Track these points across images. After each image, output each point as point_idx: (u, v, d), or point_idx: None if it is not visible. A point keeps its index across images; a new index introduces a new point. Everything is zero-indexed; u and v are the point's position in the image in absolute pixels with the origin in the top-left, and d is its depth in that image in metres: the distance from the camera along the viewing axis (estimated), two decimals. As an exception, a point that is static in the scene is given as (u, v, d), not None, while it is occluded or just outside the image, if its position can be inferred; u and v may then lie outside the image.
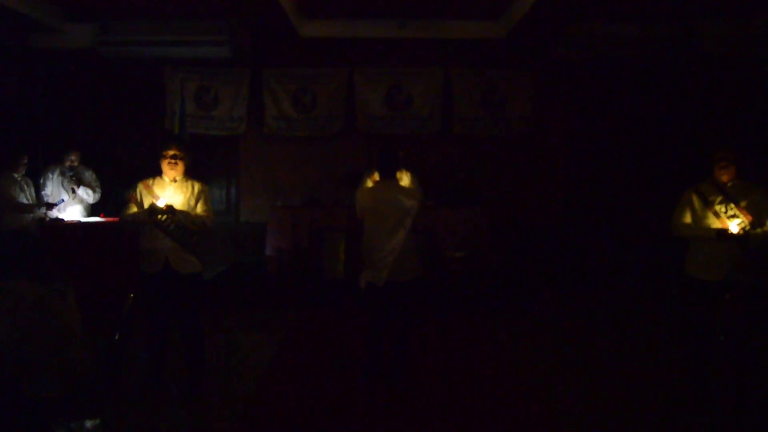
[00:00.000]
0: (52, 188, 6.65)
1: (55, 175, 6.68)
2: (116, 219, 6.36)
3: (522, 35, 7.92)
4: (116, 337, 2.91)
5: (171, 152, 4.25)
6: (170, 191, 4.26)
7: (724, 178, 4.13)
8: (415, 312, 4.81)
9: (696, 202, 4.22)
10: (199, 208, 4.31)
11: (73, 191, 6.67)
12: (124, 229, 5.37)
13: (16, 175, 6.27)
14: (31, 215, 6.31)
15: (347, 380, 4.53)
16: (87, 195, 6.76)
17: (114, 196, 6.65)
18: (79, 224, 6.50)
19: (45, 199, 6.57)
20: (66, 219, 6.55)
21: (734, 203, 4.05)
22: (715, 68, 8.14)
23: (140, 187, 4.26)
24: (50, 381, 2.58)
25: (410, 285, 4.44)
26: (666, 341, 5.55)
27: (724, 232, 4.00)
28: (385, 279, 4.33)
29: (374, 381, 4.46)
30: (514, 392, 4.37)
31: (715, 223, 4.09)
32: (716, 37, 7.67)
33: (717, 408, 4.05)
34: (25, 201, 6.29)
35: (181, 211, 4.18)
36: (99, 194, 6.88)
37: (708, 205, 4.15)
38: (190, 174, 4.40)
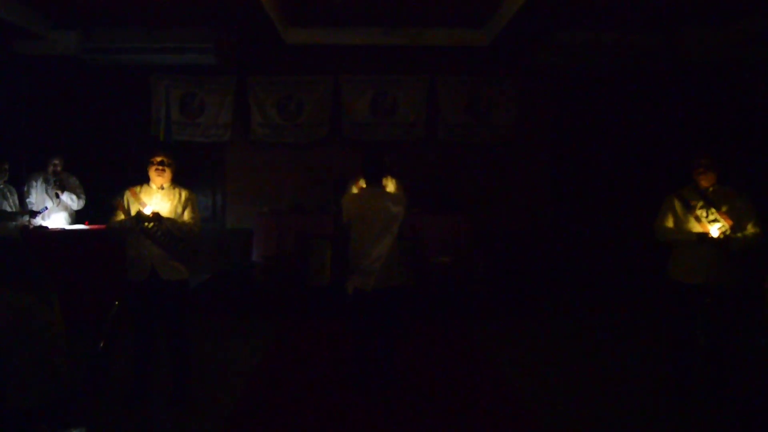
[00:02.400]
0: (36, 196, 6.61)
1: (39, 183, 6.64)
2: (101, 226, 6.34)
3: (506, 43, 8.00)
4: (101, 346, 2.90)
5: (158, 159, 4.25)
6: (157, 198, 4.25)
7: (704, 183, 4.21)
8: (401, 318, 4.82)
9: (678, 206, 4.29)
10: (186, 216, 4.30)
11: (57, 196, 6.62)
12: (109, 236, 5.34)
13: (-1, 183, 6.23)
14: (14, 223, 6.25)
15: (334, 387, 4.53)
16: (71, 201, 6.72)
17: (99, 203, 6.61)
18: (63, 232, 6.46)
19: (29, 206, 6.53)
20: (50, 226, 6.50)
21: (715, 208, 4.13)
22: (697, 74, 8.26)
23: (127, 194, 4.25)
24: (34, 390, 2.57)
25: (397, 291, 4.46)
26: (649, 344, 5.60)
27: (704, 236, 4.07)
28: (373, 285, 4.35)
29: (361, 387, 4.47)
30: (499, 396, 4.40)
31: (697, 228, 4.16)
32: (698, 43, 7.79)
33: (698, 409, 4.10)
34: (8, 209, 6.23)
35: (168, 219, 4.17)
36: (83, 201, 6.84)
37: (689, 209, 4.22)
38: (176, 181, 4.40)
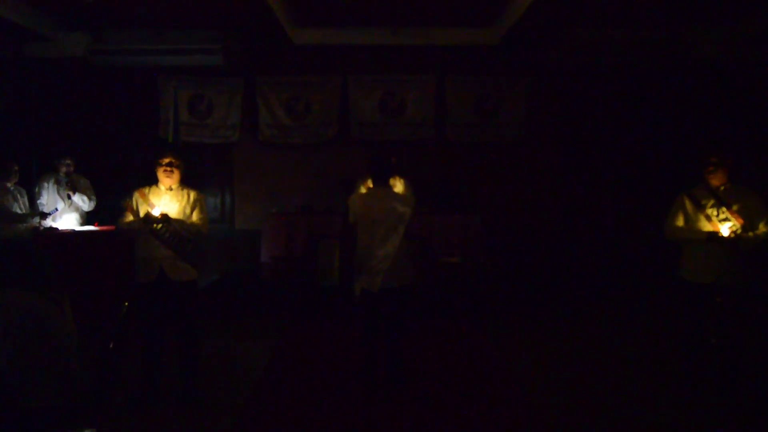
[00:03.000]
0: (48, 197, 6.65)
1: (51, 184, 6.67)
2: (111, 228, 6.37)
3: (515, 41, 7.97)
4: (111, 346, 2.91)
5: (167, 160, 4.26)
6: (166, 199, 4.27)
7: (714, 182, 4.18)
8: (409, 318, 4.82)
9: (688, 205, 4.26)
10: (195, 217, 4.31)
11: (69, 197, 6.66)
12: (118, 237, 5.36)
13: (8, 185, 6.25)
14: (25, 225, 6.29)
15: (342, 387, 4.53)
16: (83, 202, 6.76)
17: (108, 204, 6.64)
18: (73, 233, 6.49)
19: (40, 208, 6.56)
20: (61, 228, 6.54)
21: (726, 207, 4.09)
22: (707, 72, 8.20)
23: (136, 196, 4.27)
24: (46, 391, 2.58)
25: (404, 291, 4.46)
26: (660, 344, 5.57)
27: (715, 236, 4.04)
28: (380, 285, 4.34)
29: (370, 387, 4.47)
30: (508, 397, 4.38)
31: (707, 227, 4.13)
32: (708, 41, 7.75)
33: (710, 409, 4.07)
34: (18, 211, 6.27)
35: (176, 220, 4.19)
36: (94, 202, 6.88)
37: (700, 208, 4.19)
38: (185, 182, 4.41)
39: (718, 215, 4.10)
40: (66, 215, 6.70)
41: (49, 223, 6.51)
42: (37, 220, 6.42)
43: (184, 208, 4.29)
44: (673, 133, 8.41)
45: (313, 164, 8.62)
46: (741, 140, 8.00)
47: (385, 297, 4.38)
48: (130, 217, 4.21)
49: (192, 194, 4.37)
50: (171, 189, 4.31)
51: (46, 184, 6.67)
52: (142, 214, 4.18)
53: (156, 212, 4.16)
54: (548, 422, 3.92)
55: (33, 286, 2.66)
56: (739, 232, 4.00)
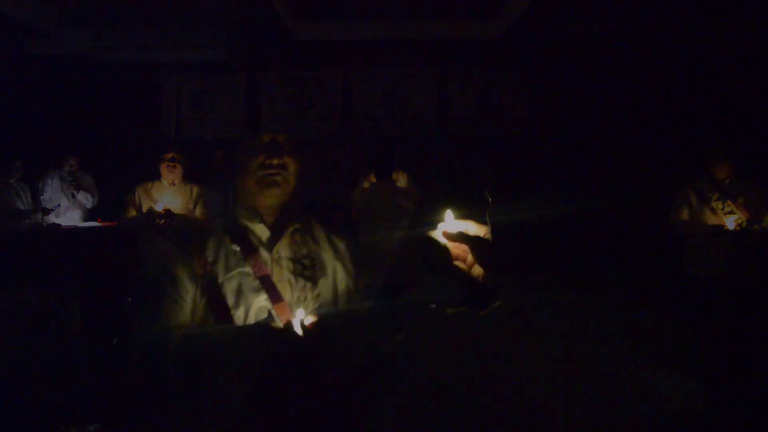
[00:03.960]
0: (51, 193, 6.64)
1: (54, 181, 6.67)
2: (114, 223, 6.37)
3: (517, 36, 7.93)
4: (115, 342, 2.91)
5: (169, 156, 4.26)
6: (169, 195, 4.26)
7: (720, 175, 4.16)
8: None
9: (693, 199, 4.24)
10: (198, 212, 4.31)
11: (73, 196, 6.66)
12: (121, 233, 5.35)
13: (11, 181, 6.24)
14: (28, 221, 6.29)
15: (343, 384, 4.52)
16: (86, 200, 6.76)
17: (111, 200, 6.64)
18: (76, 229, 6.49)
19: (43, 204, 6.56)
20: (64, 224, 6.54)
21: (731, 200, 4.07)
22: (712, 67, 8.15)
23: (139, 191, 4.27)
24: (51, 387, 2.59)
25: (407, 287, 4.44)
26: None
27: (720, 229, 4.02)
28: (383, 282, 4.33)
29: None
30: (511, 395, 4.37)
31: (712, 220, 4.11)
32: (712, 36, 7.69)
33: (714, 407, 4.06)
34: (21, 207, 6.26)
35: (179, 215, 4.18)
36: (97, 199, 6.88)
37: (705, 201, 4.17)
38: (187, 177, 4.40)
39: (723, 208, 4.09)
40: (69, 212, 6.70)
41: (52, 219, 6.51)
42: (39, 216, 6.41)
43: (187, 203, 4.29)
44: (678, 127, 8.38)
45: (316, 160, 8.59)
46: (745, 134, 7.97)
47: (387, 294, 4.37)
48: (133, 213, 4.21)
49: (195, 189, 4.37)
50: (174, 184, 4.31)
51: (49, 181, 6.66)
52: (144, 209, 4.18)
53: (159, 207, 4.15)
54: (551, 421, 3.91)
55: (40, 283, 2.66)
56: (744, 225, 3.98)
